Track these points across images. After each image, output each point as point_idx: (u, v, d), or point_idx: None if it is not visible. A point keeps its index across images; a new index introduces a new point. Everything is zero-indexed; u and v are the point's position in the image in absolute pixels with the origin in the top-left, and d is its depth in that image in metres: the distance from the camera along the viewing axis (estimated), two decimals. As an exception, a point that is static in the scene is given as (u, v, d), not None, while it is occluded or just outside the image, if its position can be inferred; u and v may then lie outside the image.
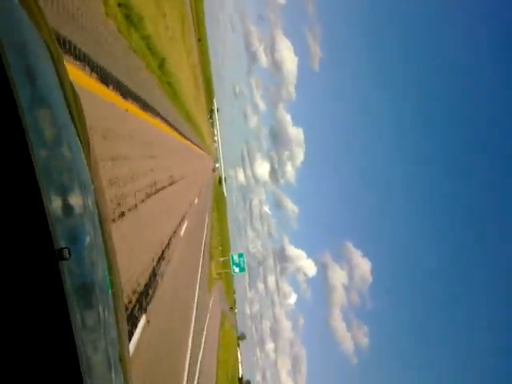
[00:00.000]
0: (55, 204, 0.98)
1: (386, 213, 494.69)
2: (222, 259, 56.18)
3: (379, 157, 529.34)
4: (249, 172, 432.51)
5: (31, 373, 1.00)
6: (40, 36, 1.06)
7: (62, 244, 0.98)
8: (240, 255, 48.80)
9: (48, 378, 1.02)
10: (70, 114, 1.16)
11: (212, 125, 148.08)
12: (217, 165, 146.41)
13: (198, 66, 73.21)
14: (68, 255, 0.98)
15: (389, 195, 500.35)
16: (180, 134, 28.69)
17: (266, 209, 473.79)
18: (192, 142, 40.96)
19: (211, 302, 33.06)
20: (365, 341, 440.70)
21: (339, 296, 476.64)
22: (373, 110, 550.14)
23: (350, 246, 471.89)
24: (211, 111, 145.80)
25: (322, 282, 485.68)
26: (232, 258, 48.65)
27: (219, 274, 50.69)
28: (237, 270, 48.03)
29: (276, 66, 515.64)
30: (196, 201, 32.12)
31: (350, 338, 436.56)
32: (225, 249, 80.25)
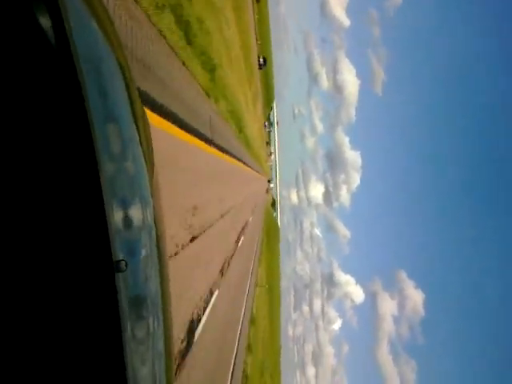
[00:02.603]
0: (117, 216, 1.02)
1: (445, 244, 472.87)
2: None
3: (439, 186, 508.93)
4: (302, 193, 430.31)
5: (79, 382, 1.00)
6: (113, 54, 1.17)
7: (120, 256, 1.01)
8: None
9: None
10: (137, 131, 1.25)
11: (268, 137, 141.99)
12: (271, 185, 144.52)
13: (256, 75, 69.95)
14: (125, 267, 1.01)
15: (448, 226, 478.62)
16: (233, 156, 24.55)
17: (317, 231, 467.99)
18: (244, 163, 37.71)
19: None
20: (412, 377, 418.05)
21: (387, 327, 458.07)
22: (436, 139, 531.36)
23: (403, 275, 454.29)
24: (270, 123, 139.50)
25: (369, 310, 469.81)
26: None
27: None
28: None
29: (337, 88, 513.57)
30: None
31: (396, 372, 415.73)
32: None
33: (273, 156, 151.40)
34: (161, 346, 1.32)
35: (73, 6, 0.94)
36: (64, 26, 0.88)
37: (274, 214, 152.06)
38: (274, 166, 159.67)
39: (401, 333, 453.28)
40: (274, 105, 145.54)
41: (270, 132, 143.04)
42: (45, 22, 0.87)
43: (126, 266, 1.02)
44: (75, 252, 0.95)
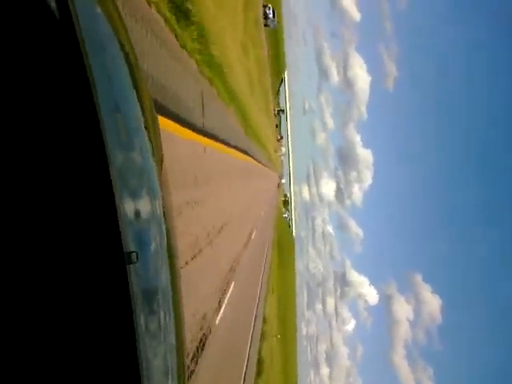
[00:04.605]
0: (126, 207, 1.01)
1: (462, 247, 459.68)
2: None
3: (454, 186, 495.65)
4: (314, 189, 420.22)
5: (93, 374, 0.99)
6: (117, 40, 1.16)
7: (131, 248, 1.00)
8: None
9: (108, 380, 1.01)
10: (145, 121, 1.25)
11: (279, 127, 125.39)
12: (283, 180, 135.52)
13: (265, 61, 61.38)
14: (136, 259, 1.00)
15: (465, 227, 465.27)
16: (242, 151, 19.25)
17: (330, 229, 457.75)
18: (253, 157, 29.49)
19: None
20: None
21: (403, 331, 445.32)
22: (450, 136, 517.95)
23: (418, 278, 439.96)
24: (280, 111, 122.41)
25: (384, 313, 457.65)
26: None
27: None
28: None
29: (348, 84, 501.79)
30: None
31: (412, 378, 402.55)
32: None
33: (284, 148, 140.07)
34: (172, 339, 1.31)
35: None
36: (69, 7, 0.86)
37: (286, 215, 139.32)
38: (286, 160, 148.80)
39: (417, 338, 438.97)
40: (285, 76, 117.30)
41: (279, 111, 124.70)
42: (50, 3, 0.84)
43: (137, 258, 1.00)
44: (86, 244, 0.93)
